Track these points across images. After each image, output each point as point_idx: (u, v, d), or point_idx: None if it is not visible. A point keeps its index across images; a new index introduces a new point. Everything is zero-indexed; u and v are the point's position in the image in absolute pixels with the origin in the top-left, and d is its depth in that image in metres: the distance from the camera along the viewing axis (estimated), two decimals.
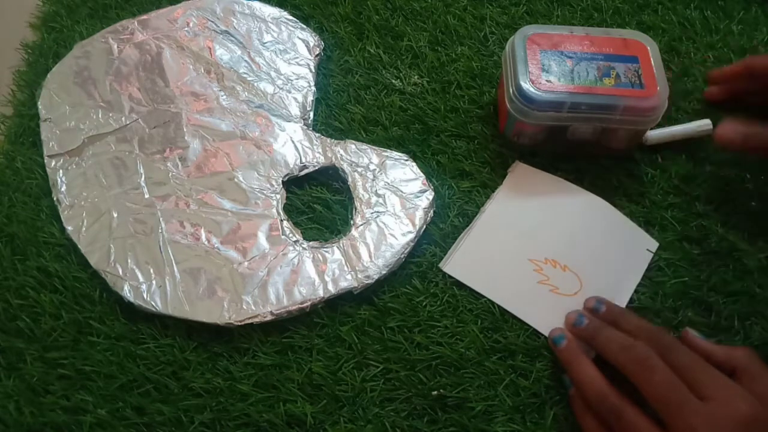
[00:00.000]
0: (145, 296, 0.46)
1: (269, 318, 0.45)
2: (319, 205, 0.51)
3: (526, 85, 0.47)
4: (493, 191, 0.51)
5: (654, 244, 0.49)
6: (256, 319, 0.45)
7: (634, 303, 0.47)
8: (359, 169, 0.51)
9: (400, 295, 0.47)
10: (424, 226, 0.49)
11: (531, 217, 0.50)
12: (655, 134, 0.51)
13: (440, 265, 0.48)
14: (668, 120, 0.54)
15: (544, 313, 0.46)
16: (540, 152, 0.52)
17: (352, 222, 0.49)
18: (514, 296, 0.47)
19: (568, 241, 0.49)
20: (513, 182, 0.51)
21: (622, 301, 0.46)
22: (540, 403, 0.44)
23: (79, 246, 0.48)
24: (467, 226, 0.50)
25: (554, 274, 0.47)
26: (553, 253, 0.48)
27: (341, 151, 0.52)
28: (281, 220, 0.49)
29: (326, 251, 0.48)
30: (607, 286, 0.47)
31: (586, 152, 0.52)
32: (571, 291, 0.47)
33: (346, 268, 0.47)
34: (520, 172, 0.52)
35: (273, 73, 0.55)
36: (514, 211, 0.50)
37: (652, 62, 0.48)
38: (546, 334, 0.45)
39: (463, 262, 0.48)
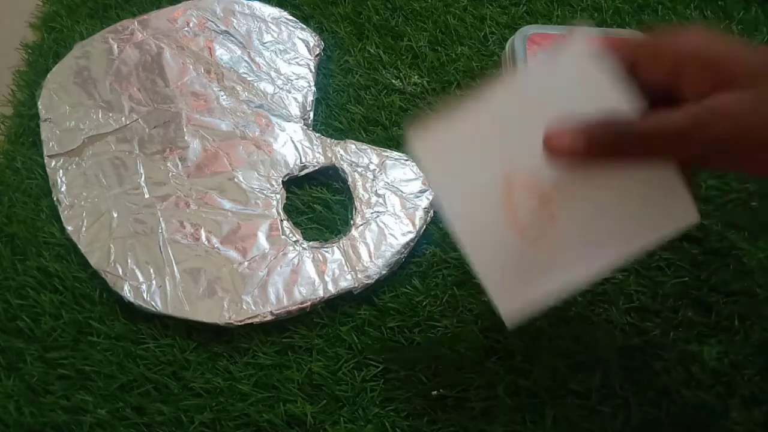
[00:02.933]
0: (145, 296, 0.46)
1: (269, 318, 0.45)
2: (319, 205, 0.51)
3: None
4: None
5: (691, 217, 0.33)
6: (256, 319, 0.45)
7: (634, 303, 0.47)
8: (359, 169, 0.51)
9: (400, 295, 0.47)
10: (424, 226, 0.49)
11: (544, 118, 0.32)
12: None
13: (409, 136, 0.35)
14: None
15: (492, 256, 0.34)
16: None
17: (352, 222, 0.49)
18: (466, 216, 0.34)
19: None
20: (554, 61, 0.33)
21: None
22: (540, 403, 0.44)
23: (79, 246, 0.48)
24: None
25: (525, 210, 0.33)
26: (541, 178, 0.33)
27: (341, 151, 0.52)
28: (281, 220, 0.49)
29: (326, 251, 0.48)
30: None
31: None
32: (538, 237, 0.33)
33: (346, 268, 0.47)
34: (575, 49, 0.32)
35: (273, 73, 0.55)
36: (532, 105, 0.33)
37: None
38: (498, 306, 0.34)
39: (436, 144, 0.35)
